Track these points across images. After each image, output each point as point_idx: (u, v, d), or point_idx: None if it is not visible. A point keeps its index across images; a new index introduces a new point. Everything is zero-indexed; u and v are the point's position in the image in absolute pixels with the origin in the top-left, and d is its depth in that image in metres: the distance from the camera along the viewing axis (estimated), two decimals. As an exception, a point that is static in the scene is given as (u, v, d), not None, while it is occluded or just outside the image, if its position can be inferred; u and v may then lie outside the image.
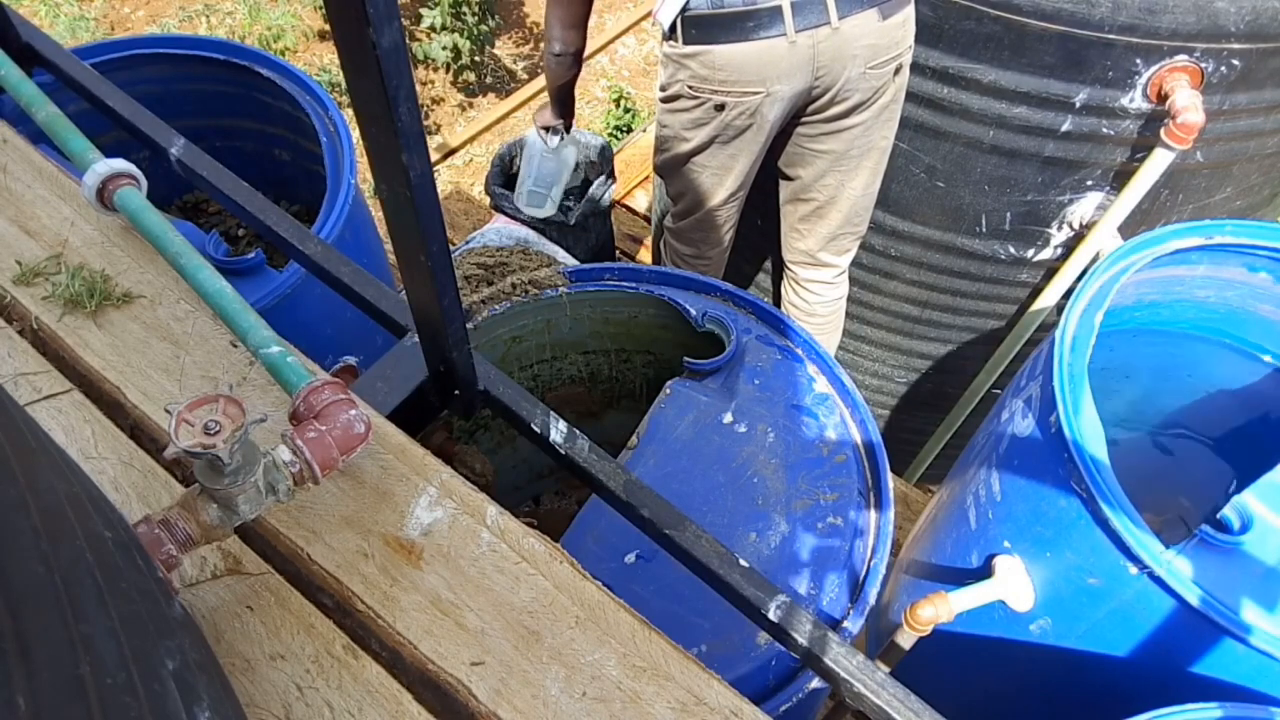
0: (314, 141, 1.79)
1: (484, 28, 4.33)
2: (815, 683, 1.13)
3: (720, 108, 1.69)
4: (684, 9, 1.59)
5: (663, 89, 1.76)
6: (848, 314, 2.26)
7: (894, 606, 1.90)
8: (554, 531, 1.03)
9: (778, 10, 1.54)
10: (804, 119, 1.78)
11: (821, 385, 1.43)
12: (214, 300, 0.97)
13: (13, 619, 0.36)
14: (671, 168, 1.89)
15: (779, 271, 2.20)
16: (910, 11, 1.64)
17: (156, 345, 0.99)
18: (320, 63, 4.36)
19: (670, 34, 1.64)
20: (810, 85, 1.66)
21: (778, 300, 2.31)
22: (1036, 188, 1.83)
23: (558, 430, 1.01)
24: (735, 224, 2.03)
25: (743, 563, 0.92)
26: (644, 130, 3.75)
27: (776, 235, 2.12)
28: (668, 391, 1.40)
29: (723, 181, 1.87)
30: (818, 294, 2.11)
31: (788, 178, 1.94)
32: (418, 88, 3.76)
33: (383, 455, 0.94)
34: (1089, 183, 1.80)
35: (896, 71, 1.69)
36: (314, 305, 1.61)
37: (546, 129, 2.42)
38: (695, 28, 1.60)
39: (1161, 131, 1.63)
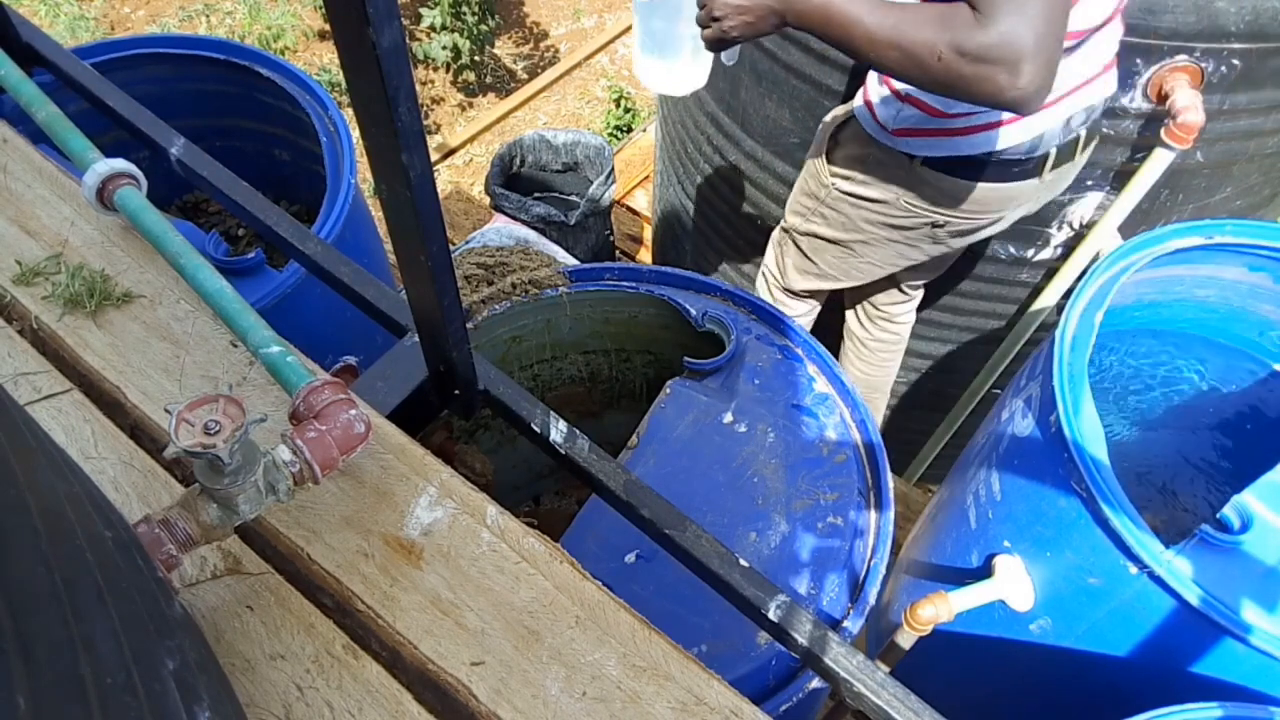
0: (314, 141, 1.79)
1: (484, 27, 4.33)
2: (815, 683, 1.13)
3: (938, 225, 1.58)
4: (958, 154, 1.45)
5: (848, 179, 1.59)
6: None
7: (894, 606, 1.90)
8: (554, 531, 1.03)
9: (1046, 156, 1.49)
10: None
11: (821, 385, 1.43)
12: (214, 300, 0.97)
13: (13, 619, 0.36)
14: (823, 244, 1.75)
15: (835, 301, 2.11)
16: None
17: (156, 345, 0.99)
18: (320, 62, 4.36)
19: (905, 153, 1.49)
20: (1032, 205, 1.62)
21: (830, 327, 2.20)
22: (1036, 187, 1.83)
23: (558, 430, 1.01)
24: None
25: (743, 563, 0.93)
26: (644, 130, 3.75)
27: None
28: (668, 391, 1.40)
29: (880, 269, 1.77)
30: (905, 321, 2.05)
31: None
32: (418, 87, 3.76)
33: (383, 455, 0.94)
34: (1089, 182, 1.80)
35: None
36: (314, 305, 1.61)
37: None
38: (948, 161, 1.48)
39: (1162, 131, 1.63)
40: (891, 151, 1.52)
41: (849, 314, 2.13)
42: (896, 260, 1.74)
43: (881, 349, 2.10)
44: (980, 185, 1.51)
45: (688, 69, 1.42)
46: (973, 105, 1.28)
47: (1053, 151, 1.50)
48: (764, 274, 2.01)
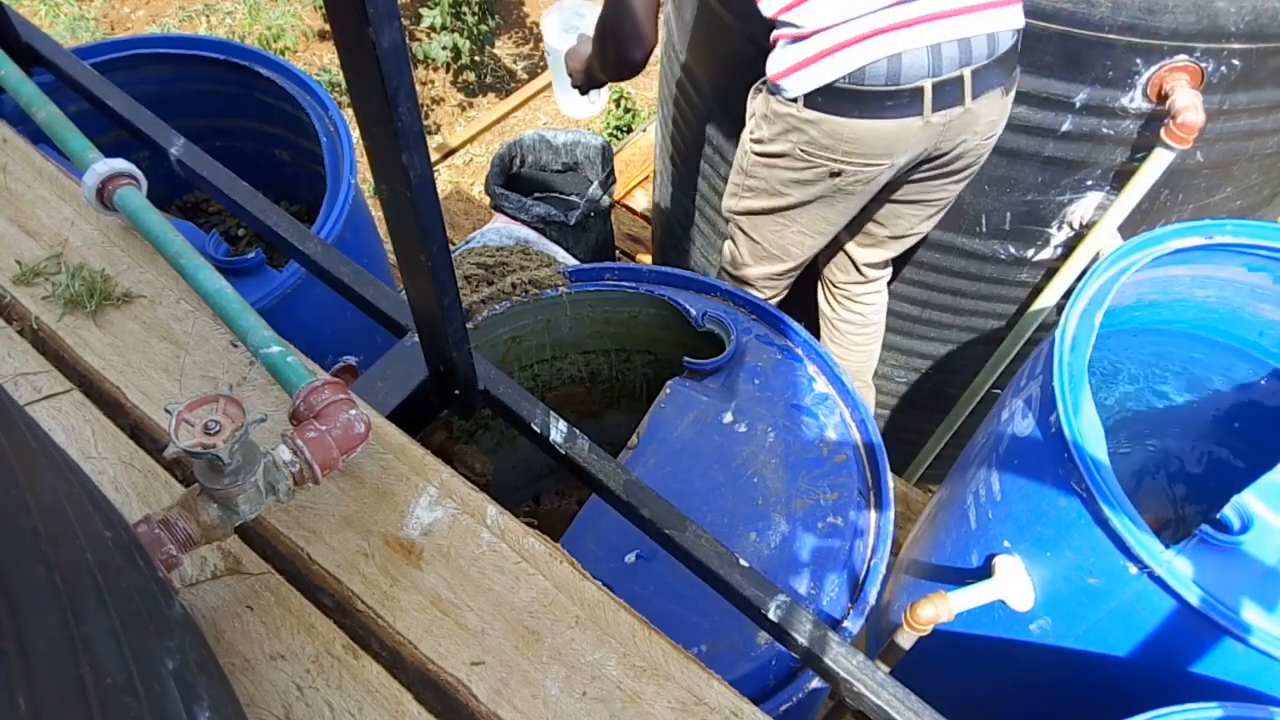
0: (314, 141, 1.79)
1: (484, 27, 4.33)
2: (815, 682, 1.13)
3: (836, 174, 1.63)
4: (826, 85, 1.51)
5: (759, 141, 1.68)
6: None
7: (894, 606, 1.90)
8: (554, 531, 1.03)
9: (919, 92, 1.50)
10: (903, 176, 1.74)
11: (821, 385, 1.43)
12: (214, 300, 0.97)
13: (13, 619, 0.36)
14: (759, 220, 1.82)
15: (812, 287, 2.14)
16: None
17: (156, 345, 1.00)
18: (320, 62, 4.36)
19: (789, 97, 1.56)
20: (930, 152, 1.63)
21: (809, 315, 2.23)
22: (1036, 188, 1.83)
23: (558, 430, 1.01)
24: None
25: (743, 562, 0.93)
26: (644, 130, 3.75)
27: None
28: (668, 391, 1.40)
29: (811, 239, 1.82)
30: (871, 304, 2.07)
31: (858, 218, 1.88)
32: (417, 87, 3.76)
33: (383, 455, 0.94)
34: (1089, 183, 1.80)
35: (995, 138, 1.69)
36: (314, 305, 1.61)
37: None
38: (823, 96, 1.53)
39: (1161, 131, 1.63)
40: (781, 99, 1.58)
41: (819, 294, 2.15)
42: (824, 225, 1.78)
43: (852, 331, 2.11)
44: (859, 123, 1.53)
45: (581, 101, 2.05)
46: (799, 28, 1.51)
47: (928, 87, 1.50)
48: (721, 269, 2.07)
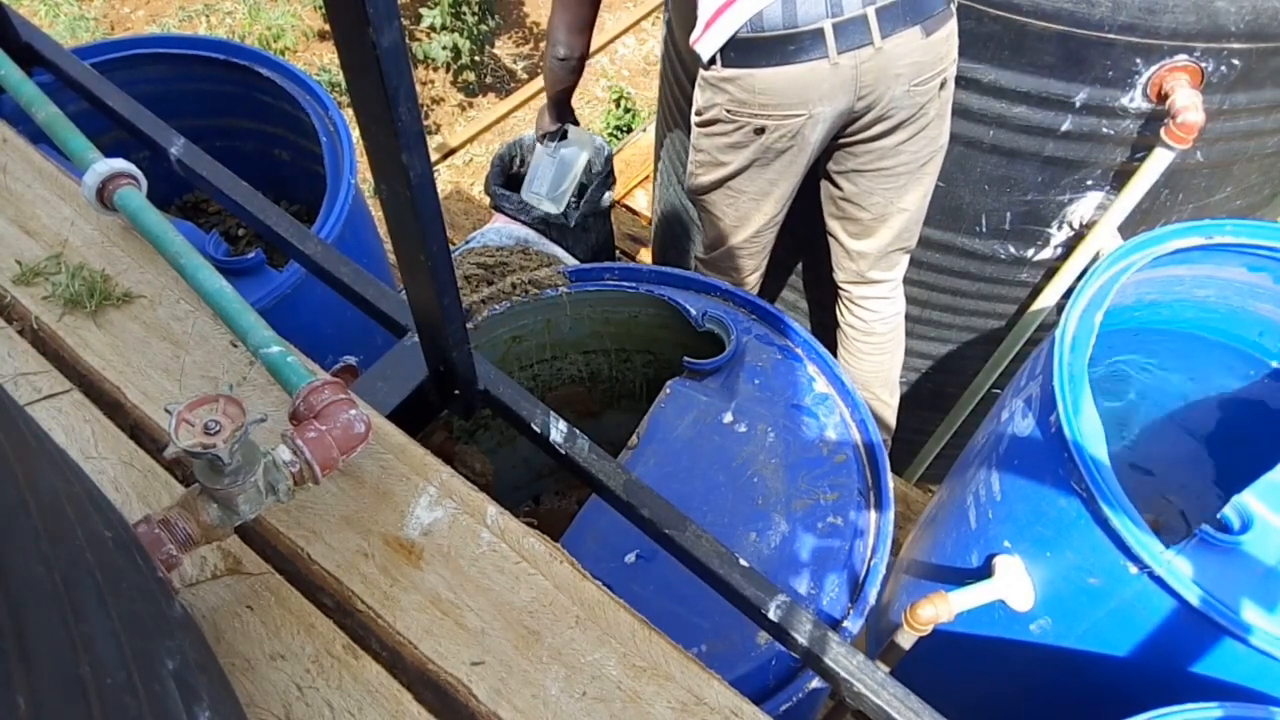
0: (314, 141, 1.79)
1: (484, 27, 4.33)
2: (815, 682, 1.13)
3: (760, 131, 1.65)
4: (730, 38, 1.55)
5: (698, 113, 1.72)
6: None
7: (894, 606, 1.90)
8: (554, 531, 1.03)
9: (819, 33, 1.51)
10: (847, 138, 1.73)
11: (821, 385, 1.43)
12: (214, 300, 0.97)
13: (13, 619, 0.36)
14: (707, 193, 1.85)
15: (830, 295, 2.14)
16: (953, 25, 1.60)
17: (156, 345, 0.99)
18: (320, 62, 4.36)
19: (708, 60, 1.61)
20: (853, 105, 1.62)
21: (824, 325, 2.24)
22: (1036, 187, 1.83)
23: (558, 430, 1.01)
24: (770, 250, 2.00)
25: (743, 562, 0.93)
26: (644, 130, 3.75)
27: (820, 258, 2.07)
28: (668, 391, 1.40)
29: (761, 206, 1.83)
30: (875, 310, 2.05)
31: (834, 199, 1.89)
32: (417, 87, 3.76)
33: (383, 455, 0.94)
34: (1089, 182, 1.80)
35: (941, 86, 1.65)
36: (314, 305, 1.61)
37: (546, 136, 2.41)
38: (734, 51, 1.56)
39: (1161, 131, 1.63)
40: (707, 66, 1.63)
41: (837, 311, 2.15)
42: (770, 189, 1.80)
43: (857, 337, 2.10)
44: (769, 71, 1.56)
45: (546, 192, 2.57)
46: None
47: (828, 27, 1.51)
48: (696, 264, 2.11)
